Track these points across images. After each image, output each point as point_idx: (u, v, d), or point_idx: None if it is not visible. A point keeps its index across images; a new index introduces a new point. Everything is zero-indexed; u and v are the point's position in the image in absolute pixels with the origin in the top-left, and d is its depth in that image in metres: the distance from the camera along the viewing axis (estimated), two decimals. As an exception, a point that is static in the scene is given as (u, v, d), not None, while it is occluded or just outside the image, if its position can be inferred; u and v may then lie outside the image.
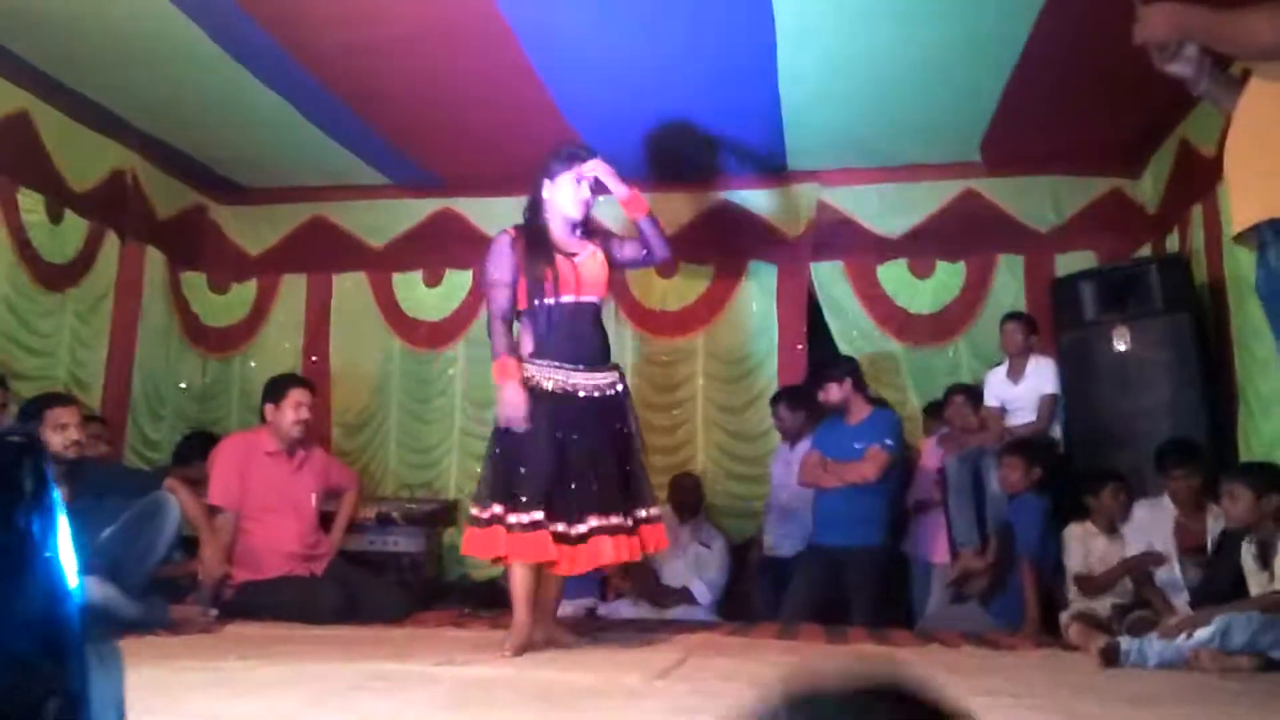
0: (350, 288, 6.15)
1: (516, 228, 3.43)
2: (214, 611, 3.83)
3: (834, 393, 4.81)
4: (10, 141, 4.55)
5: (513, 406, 3.21)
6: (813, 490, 4.91)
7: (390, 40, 4.22)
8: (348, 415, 6.06)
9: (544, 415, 3.23)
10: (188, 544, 4.13)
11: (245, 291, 6.21)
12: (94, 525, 3.77)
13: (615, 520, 3.21)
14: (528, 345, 3.34)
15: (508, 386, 3.23)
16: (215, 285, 6.19)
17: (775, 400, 5.35)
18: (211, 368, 6.18)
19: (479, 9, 3.97)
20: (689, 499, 5.28)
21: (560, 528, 3.15)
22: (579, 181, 3.40)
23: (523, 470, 3.19)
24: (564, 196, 3.41)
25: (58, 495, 0.75)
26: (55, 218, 4.89)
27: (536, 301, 3.30)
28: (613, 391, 3.38)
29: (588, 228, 3.51)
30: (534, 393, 3.25)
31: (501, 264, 3.34)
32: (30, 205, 4.74)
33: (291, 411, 4.32)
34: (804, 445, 5.11)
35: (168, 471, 4.38)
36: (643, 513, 3.36)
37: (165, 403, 5.80)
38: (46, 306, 4.86)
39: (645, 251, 3.53)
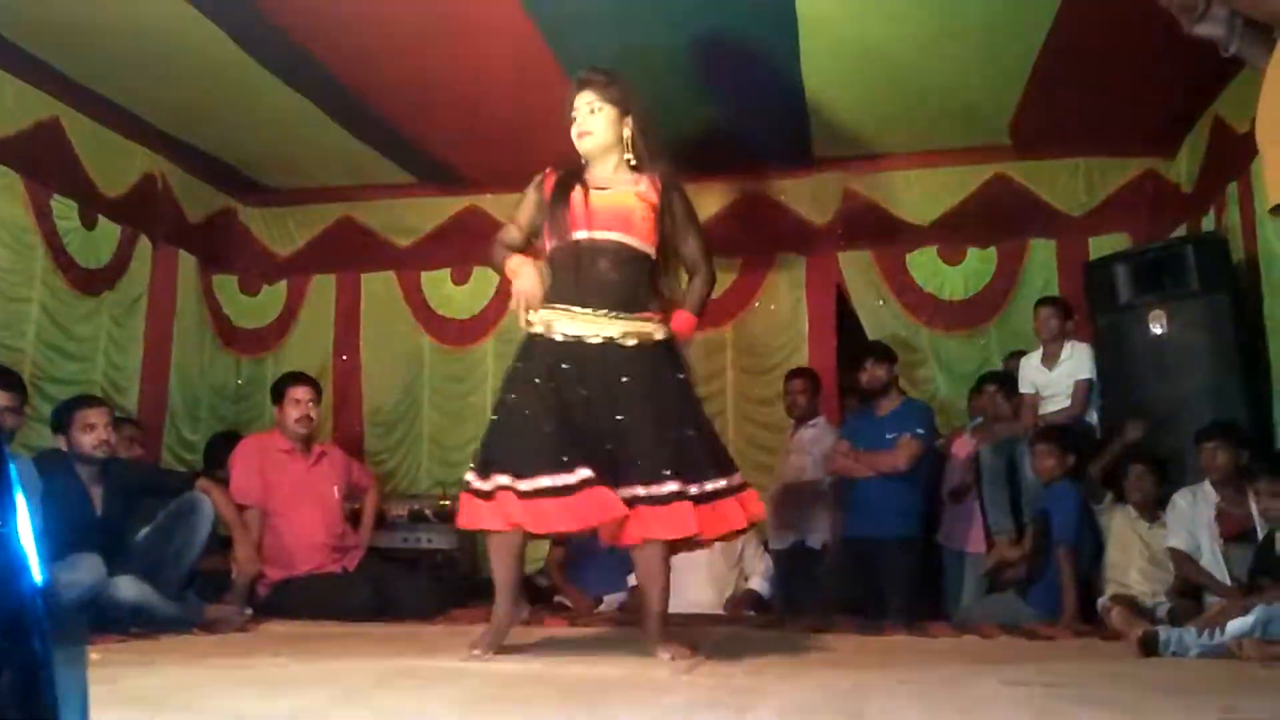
0: (379, 287, 6.20)
1: (554, 168, 3.09)
2: (248, 610, 3.87)
3: (881, 372, 4.79)
4: (43, 149, 4.62)
5: (527, 280, 2.85)
6: (798, 484, 4.94)
7: (412, 39, 4.23)
8: (379, 414, 6.11)
9: (545, 366, 2.82)
10: (222, 544, 4.17)
11: (275, 293, 6.27)
12: (129, 526, 3.83)
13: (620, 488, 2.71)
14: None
15: (520, 269, 2.88)
16: (246, 287, 6.26)
17: (792, 375, 5.32)
18: (245, 369, 6.24)
19: (501, 4, 3.97)
20: None
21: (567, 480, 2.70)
22: (573, 117, 2.98)
23: (523, 425, 2.78)
24: (572, 136, 2.99)
25: (14, 471, 0.75)
26: (89, 223, 4.97)
27: (553, 243, 2.96)
28: (633, 343, 2.84)
29: (650, 168, 3.00)
30: (538, 344, 2.86)
31: (522, 205, 3.08)
32: (64, 212, 4.81)
33: (291, 409, 4.39)
34: (805, 433, 5.17)
35: (199, 473, 4.44)
36: (665, 488, 2.71)
37: (201, 404, 5.87)
38: (82, 311, 4.94)
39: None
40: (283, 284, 6.27)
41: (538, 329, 2.87)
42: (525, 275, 2.88)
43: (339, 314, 6.21)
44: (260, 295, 6.27)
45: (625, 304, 2.86)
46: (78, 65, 4.54)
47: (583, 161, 3.01)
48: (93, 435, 3.68)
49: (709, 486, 2.79)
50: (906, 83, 4.68)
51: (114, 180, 5.09)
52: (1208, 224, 4.90)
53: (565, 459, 2.69)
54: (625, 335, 2.83)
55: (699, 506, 2.74)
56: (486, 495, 2.77)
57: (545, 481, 2.68)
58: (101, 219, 5.05)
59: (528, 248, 3.08)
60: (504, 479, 2.73)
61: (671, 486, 2.70)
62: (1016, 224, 5.58)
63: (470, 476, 2.85)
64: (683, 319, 3.01)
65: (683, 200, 3.05)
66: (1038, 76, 4.54)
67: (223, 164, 5.76)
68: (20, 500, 0.73)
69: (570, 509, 2.68)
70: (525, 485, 2.70)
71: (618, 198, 2.92)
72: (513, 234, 3.07)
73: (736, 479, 2.88)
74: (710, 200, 5.74)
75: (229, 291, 6.20)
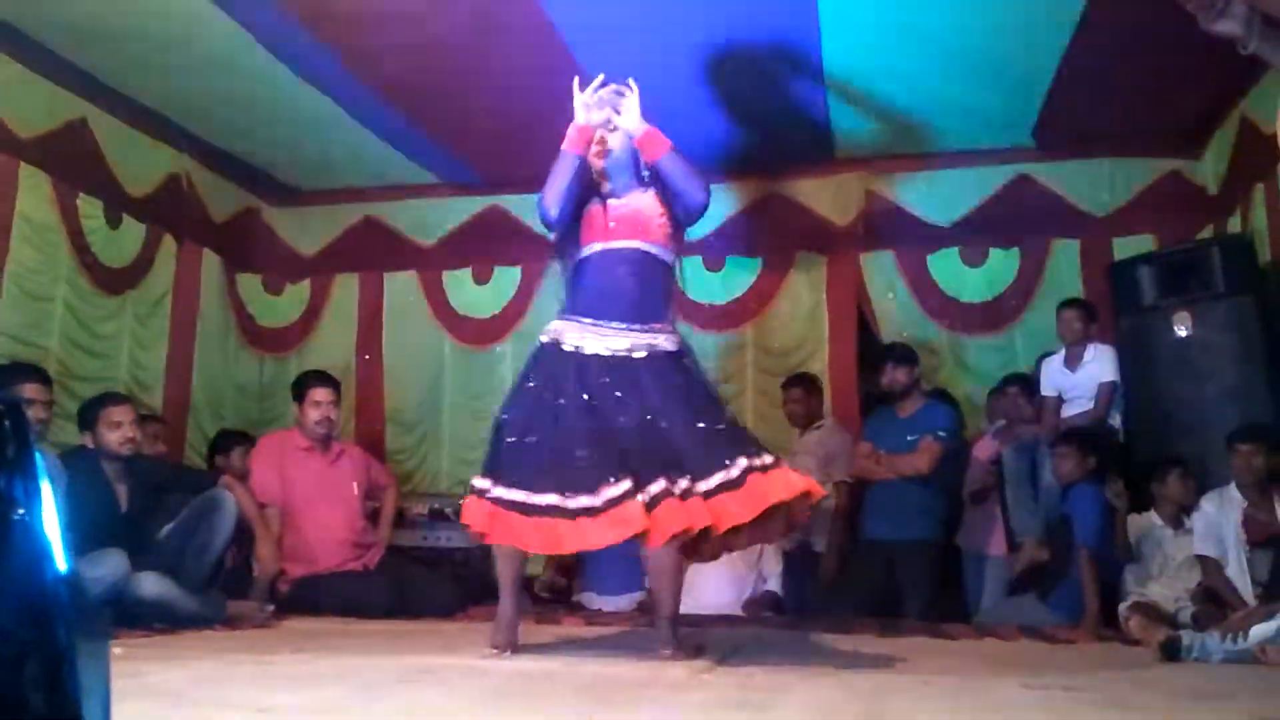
0: (401, 286, 6.22)
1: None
2: (270, 607, 3.90)
3: (903, 375, 4.76)
4: (70, 149, 4.66)
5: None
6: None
7: (434, 40, 4.25)
8: (401, 413, 6.13)
9: (549, 378, 2.86)
10: (242, 540, 4.19)
11: (299, 292, 6.31)
12: (153, 522, 3.86)
13: (618, 490, 2.66)
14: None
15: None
16: (270, 286, 6.29)
17: (786, 385, 5.33)
18: (269, 367, 6.28)
19: (521, 5, 3.98)
20: None
21: (554, 500, 2.73)
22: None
23: (525, 440, 2.83)
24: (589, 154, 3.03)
25: (41, 460, 0.76)
26: (114, 222, 5.01)
27: (568, 258, 3.00)
28: (653, 352, 2.87)
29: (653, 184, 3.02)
30: (550, 353, 2.89)
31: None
32: (90, 211, 4.85)
33: (312, 410, 4.42)
34: (811, 436, 5.16)
35: (221, 470, 4.48)
36: (660, 486, 2.66)
37: (224, 402, 5.90)
38: (107, 310, 4.97)
39: (676, 199, 2.96)
40: (306, 283, 6.31)
41: (547, 338, 2.92)
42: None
43: (362, 313, 6.24)
44: (284, 294, 6.31)
45: (640, 315, 2.89)
46: (105, 66, 4.58)
47: (595, 174, 3.04)
48: (119, 432, 3.72)
49: (739, 466, 2.72)
50: (929, 82, 4.66)
51: (140, 180, 5.13)
52: (1234, 226, 4.85)
53: (577, 483, 2.70)
54: (633, 349, 2.85)
55: (729, 492, 2.68)
56: (494, 502, 2.82)
57: (551, 501, 2.71)
58: (126, 218, 5.09)
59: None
60: (512, 493, 2.79)
61: (703, 484, 2.69)
62: (1040, 224, 5.53)
63: (481, 482, 2.89)
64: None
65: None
66: (1063, 76, 4.51)
67: (247, 164, 5.80)
68: (46, 488, 0.74)
69: (580, 529, 2.68)
70: (536, 500, 2.74)
71: (634, 205, 2.98)
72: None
73: (766, 458, 2.78)
74: (731, 200, 5.74)
75: (253, 290, 6.24)
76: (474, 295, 6.14)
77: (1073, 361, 4.77)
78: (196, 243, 5.64)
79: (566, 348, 2.87)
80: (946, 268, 5.66)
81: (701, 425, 2.78)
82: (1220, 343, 4.42)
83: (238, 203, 6.02)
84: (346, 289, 6.28)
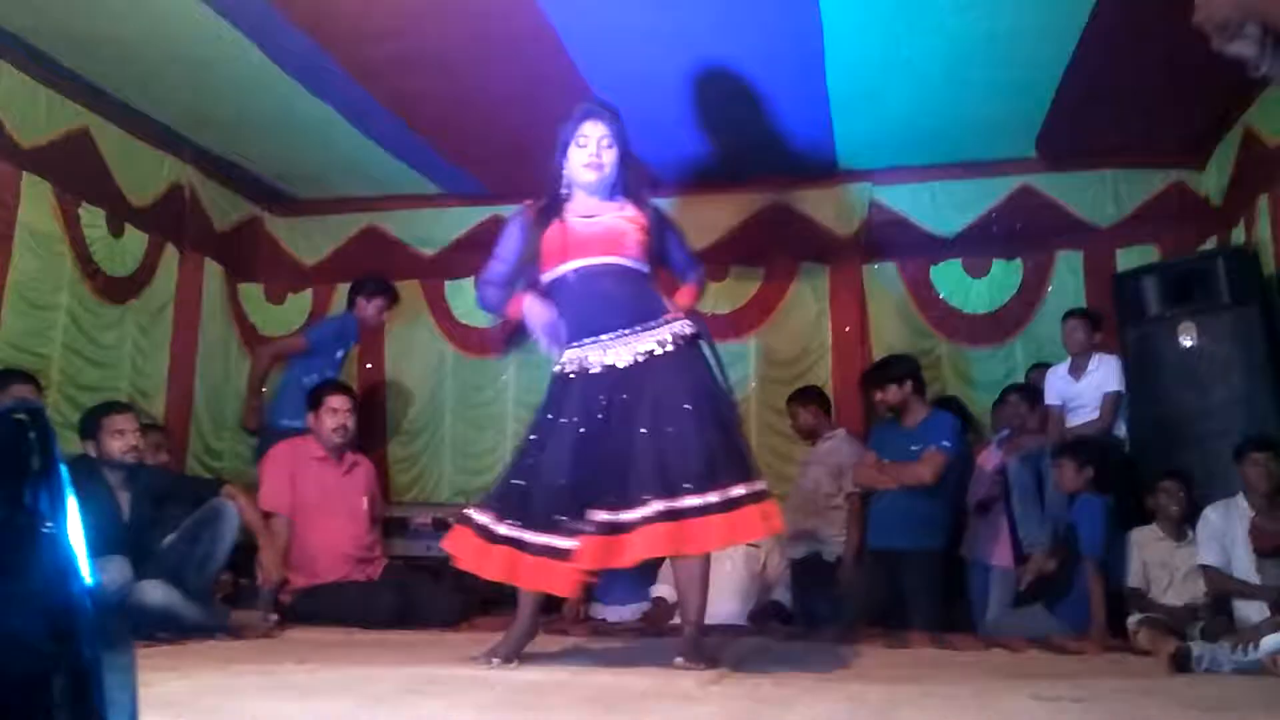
0: (403, 296, 6.20)
1: (534, 202, 3.07)
2: (274, 616, 3.88)
3: (892, 394, 4.76)
4: (73, 158, 4.67)
5: (537, 317, 2.90)
6: (815, 496, 4.91)
7: (437, 50, 4.26)
8: (403, 422, 6.12)
9: (560, 407, 2.84)
10: (247, 550, 4.17)
11: (301, 301, 6.30)
12: (155, 532, 3.84)
13: (604, 517, 2.69)
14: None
15: (529, 308, 2.92)
16: (271, 295, 6.28)
17: (789, 401, 5.36)
18: (270, 376, 6.25)
19: (525, 16, 3.99)
20: None
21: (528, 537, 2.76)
22: (581, 145, 2.96)
23: (518, 468, 2.87)
24: (573, 162, 2.97)
25: (66, 472, 0.75)
26: (116, 232, 5.01)
27: (547, 279, 2.94)
28: (664, 346, 2.83)
29: (634, 196, 3.03)
30: (558, 381, 2.89)
31: (504, 240, 3.08)
32: (92, 220, 4.85)
33: (329, 418, 4.39)
34: (822, 446, 5.17)
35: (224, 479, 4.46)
36: (652, 507, 2.65)
37: (226, 411, 5.89)
38: (109, 319, 4.97)
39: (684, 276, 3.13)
40: (308, 292, 6.30)
41: (570, 367, 2.87)
42: (538, 312, 2.92)
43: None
44: (285, 304, 6.30)
45: (643, 315, 2.87)
46: (108, 76, 4.59)
47: (563, 192, 3.01)
48: (122, 441, 3.70)
49: (733, 493, 2.70)
50: (933, 93, 4.66)
51: (142, 189, 5.13)
52: (1237, 238, 4.86)
53: (568, 518, 2.72)
54: (637, 354, 2.82)
55: (717, 516, 2.67)
56: (490, 538, 2.81)
57: (546, 540, 2.73)
58: (129, 227, 5.09)
59: (515, 283, 3.04)
60: (512, 531, 2.78)
61: (693, 501, 2.66)
62: (1042, 236, 5.54)
63: (474, 512, 2.88)
64: (685, 292, 3.10)
65: (668, 219, 3.13)
66: (1066, 87, 4.52)
67: (250, 174, 5.80)
68: (72, 501, 0.73)
69: (547, 571, 2.73)
70: (530, 538, 2.75)
71: (607, 223, 2.94)
72: (498, 269, 3.05)
73: (758, 486, 2.77)
74: (734, 210, 5.75)
75: (254, 300, 6.23)
76: (476, 305, 6.10)
77: (1077, 371, 4.77)
78: (198, 252, 5.63)
79: (570, 372, 2.86)
80: (949, 279, 5.67)
81: (703, 433, 2.73)
82: (1225, 353, 4.42)
83: (240, 212, 6.02)
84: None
